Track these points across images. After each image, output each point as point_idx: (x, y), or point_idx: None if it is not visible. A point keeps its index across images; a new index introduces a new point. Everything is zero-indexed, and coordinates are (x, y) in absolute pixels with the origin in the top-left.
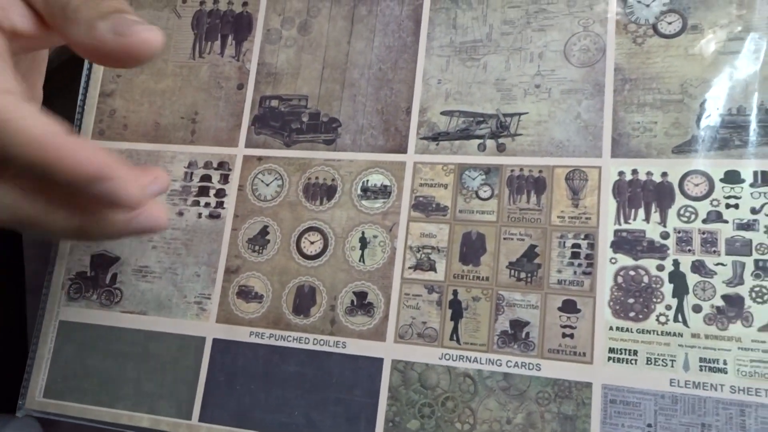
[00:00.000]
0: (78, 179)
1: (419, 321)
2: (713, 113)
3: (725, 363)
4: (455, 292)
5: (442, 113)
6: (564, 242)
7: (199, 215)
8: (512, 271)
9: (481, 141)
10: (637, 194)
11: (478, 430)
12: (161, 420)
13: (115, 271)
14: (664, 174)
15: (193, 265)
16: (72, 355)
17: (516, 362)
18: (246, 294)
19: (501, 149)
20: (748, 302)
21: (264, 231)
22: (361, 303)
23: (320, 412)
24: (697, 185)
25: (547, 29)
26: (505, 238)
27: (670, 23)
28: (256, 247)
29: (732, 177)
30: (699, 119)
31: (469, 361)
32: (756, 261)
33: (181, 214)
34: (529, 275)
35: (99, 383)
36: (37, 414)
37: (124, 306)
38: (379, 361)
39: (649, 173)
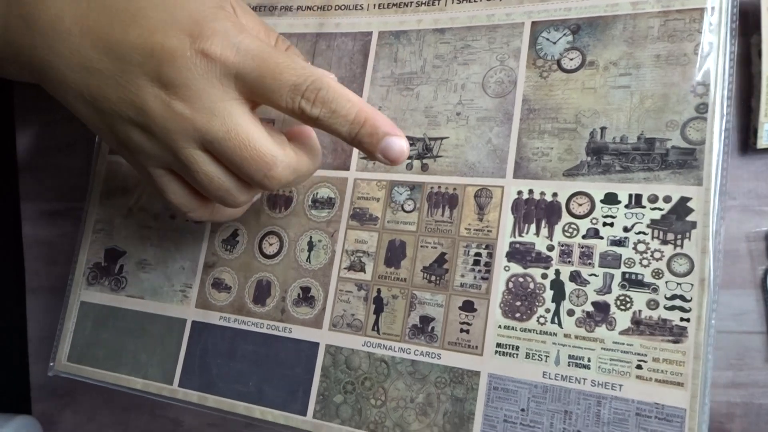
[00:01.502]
0: (376, 139)
1: (349, 313)
2: (599, 141)
3: (589, 360)
4: (379, 290)
5: None
6: (468, 251)
7: (187, 220)
8: (425, 274)
9: (409, 161)
10: (531, 211)
11: (388, 406)
12: (150, 384)
13: (122, 262)
14: (555, 194)
15: (180, 260)
16: (89, 330)
17: (421, 351)
18: (219, 285)
19: (424, 169)
20: (613, 309)
21: (234, 233)
22: (306, 296)
23: (269, 384)
24: (581, 205)
25: (470, 63)
26: (421, 246)
27: (571, 59)
28: (228, 247)
29: (610, 198)
30: (588, 146)
31: (385, 348)
32: (623, 273)
33: (173, 217)
34: (438, 278)
35: (106, 352)
36: (63, 374)
37: (128, 291)
38: (315, 345)
39: (542, 193)
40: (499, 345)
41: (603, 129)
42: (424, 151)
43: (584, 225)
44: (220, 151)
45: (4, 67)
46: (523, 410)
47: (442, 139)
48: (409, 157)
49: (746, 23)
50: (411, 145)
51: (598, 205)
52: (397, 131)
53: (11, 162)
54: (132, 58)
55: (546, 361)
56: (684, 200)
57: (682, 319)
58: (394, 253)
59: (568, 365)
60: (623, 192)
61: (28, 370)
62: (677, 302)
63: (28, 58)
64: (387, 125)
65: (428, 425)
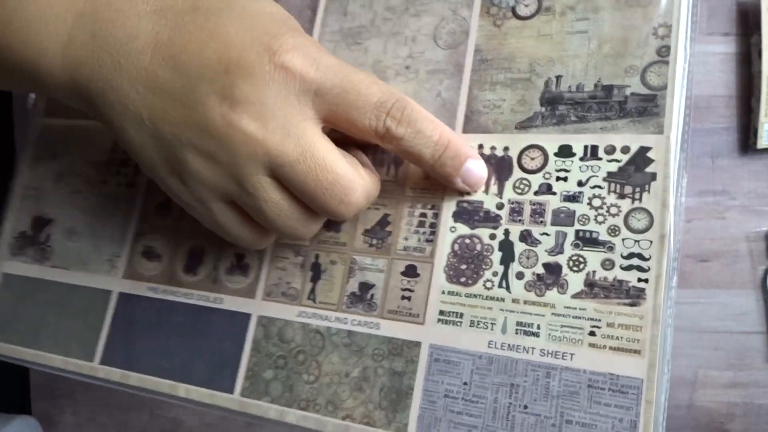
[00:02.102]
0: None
1: (284, 281)
2: (554, 91)
3: (538, 327)
4: (317, 256)
5: None
6: (413, 212)
7: (119, 184)
8: (366, 238)
9: None
10: None
11: (321, 381)
12: (70, 361)
13: (49, 231)
14: (506, 148)
15: (110, 228)
16: (10, 303)
17: (359, 321)
18: (149, 254)
19: None
20: (565, 270)
21: (169, 198)
22: (240, 264)
23: (196, 360)
24: (533, 159)
25: (422, 14)
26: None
27: (527, 5)
28: (162, 213)
29: (564, 151)
30: (542, 96)
31: (321, 318)
32: (577, 231)
33: (104, 182)
34: (380, 242)
35: (26, 328)
36: None
37: (53, 261)
38: (247, 317)
39: (493, 147)
40: (442, 313)
41: (558, 78)
42: None
43: (536, 180)
44: (292, 176)
45: (53, 89)
46: (465, 384)
47: None
48: None
49: (746, 23)
50: None
51: (552, 158)
52: (477, 155)
53: None
54: (203, 75)
55: (492, 329)
56: (643, 150)
57: (639, 280)
58: None
59: (516, 333)
60: (578, 144)
61: (28, 370)
62: (634, 261)
63: (87, 78)
64: (468, 148)
65: (363, 402)
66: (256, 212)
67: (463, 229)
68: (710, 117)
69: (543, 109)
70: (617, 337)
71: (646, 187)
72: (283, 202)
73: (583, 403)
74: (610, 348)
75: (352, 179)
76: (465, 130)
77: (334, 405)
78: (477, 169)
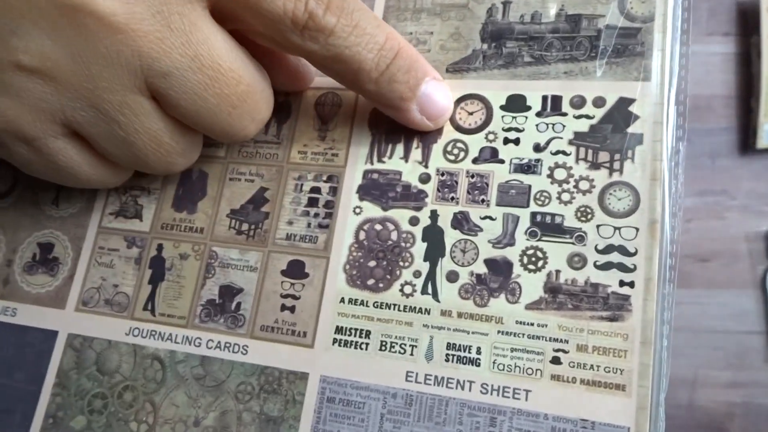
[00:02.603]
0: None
1: (110, 283)
2: (501, 22)
3: (479, 352)
4: (160, 247)
5: None
6: (302, 185)
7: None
8: (233, 221)
9: None
10: (398, 124)
11: None
12: None
13: None
14: None
15: None
16: None
17: (218, 342)
18: None
19: None
20: (517, 269)
21: None
22: (45, 257)
23: None
24: (471, 114)
25: None
26: (231, 179)
27: None
28: None
29: (515, 103)
30: (484, 29)
31: (162, 338)
32: (533, 214)
33: None
34: (253, 227)
35: None
36: None
37: None
38: (52, 336)
39: None
40: (339, 330)
41: (506, 4)
42: None
43: (476, 143)
44: (180, 90)
45: None
46: None
47: None
48: None
49: (746, 23)
50: None
51: (497, 113)
52: (437, 73)
53: None
54: None
55: (413, 354)
56: (624, 103)
57: (622, 284)
58: (189, 190)
59: (447, 360)
60: (534, 93)
61: None
62: (614, 257)
63: None
64: (425, 62)
65: None
66: (116, 143)
67: (372, 210)
68: (710, 117)
69: (485, 47)
70: (592, 366)
71: (629, 153)
72: (162, 133)
73: None
74: (582, 382)
75: (266, 88)
76: None
77: None
78: (440, 93)
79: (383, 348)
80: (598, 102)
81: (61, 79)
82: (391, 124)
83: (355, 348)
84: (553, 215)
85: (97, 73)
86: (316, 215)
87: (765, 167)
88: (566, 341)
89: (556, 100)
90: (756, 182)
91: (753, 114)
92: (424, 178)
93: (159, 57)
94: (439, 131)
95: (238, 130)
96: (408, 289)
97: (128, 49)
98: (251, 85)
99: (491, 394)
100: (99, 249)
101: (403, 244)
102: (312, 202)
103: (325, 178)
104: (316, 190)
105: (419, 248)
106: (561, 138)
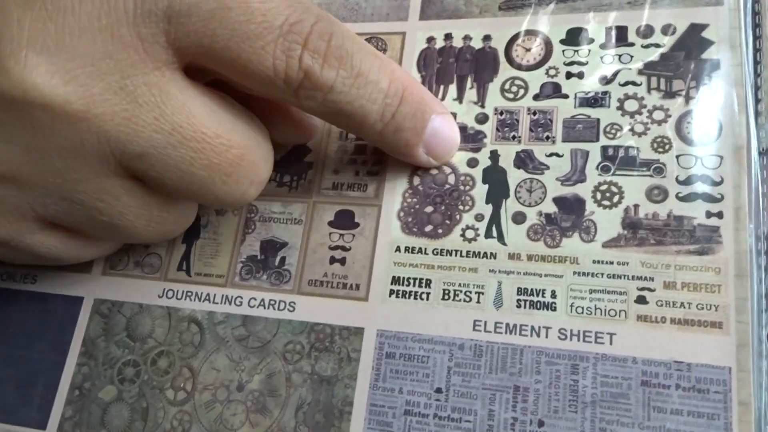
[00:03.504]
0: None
1: (140, 244)
2: None
3: (554, 295)
4: None
5: None
6: (347, 133)
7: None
8: (276, 174)
9: None
10: (449, 66)
11: (197, 400)
12: None
13: None
14: (487, 37)
15: None
16: None
17: (262, 300)
18: None
19: None
20: (590, 206)
21: None
22: None
23: None
24: (529, 50)
25: None
26: None
27: None
28: None
29: (576, 37)
30: None
31: (200, 299)
32: (604, 148)
33: None
34: (296, 179)
35: None
36: None
37: None
38: (77, 302)
39: (467, 38)
40: (396, 281)
41: None
42: None
43: (536, 79)
44: (161, 169)
45: None
46: (439, 391)
47: None
48: None
49: None
50: None
51: (558, 47)
52: (442, 106)
53: None
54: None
55: (479, 302)
56: (696, 29)
57: (710, 215)
58: None
59: (518, 307)
60: (597, 25)
61: None
62: (699, 187)
63: None
64: (429, 98)
65: (267, 431)
66: (106, 229)
67: None
68: None
69: None
70: (682, 304)
71: (705, 79)
72: (150, 207)
73: (636, 412)
74: (673, 321)
75: (262, 146)
76: (424, 16)
77: None
78: (446, 130)
79: (446, 297)
80: (667, 30)
81: (23, 180)
82: (442, 65)
83: (415, 298)
84: (626, 148)
85: (63, 167)
86: (365, 162)
87: (765, 167)
88: (651, 279)
89: (621, 31)
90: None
91: None
92: (481, 119)
93: (130, 138)
94: (494, 69)
95: (237, 196)
96: (470, 234)
97: (93, 137)
98: (244, 147)
99: (571, 339)
100: None
101: (462, 188)
102: (359, 150)
103: None
104: None
105: (480, 190)
106: (629, 69)
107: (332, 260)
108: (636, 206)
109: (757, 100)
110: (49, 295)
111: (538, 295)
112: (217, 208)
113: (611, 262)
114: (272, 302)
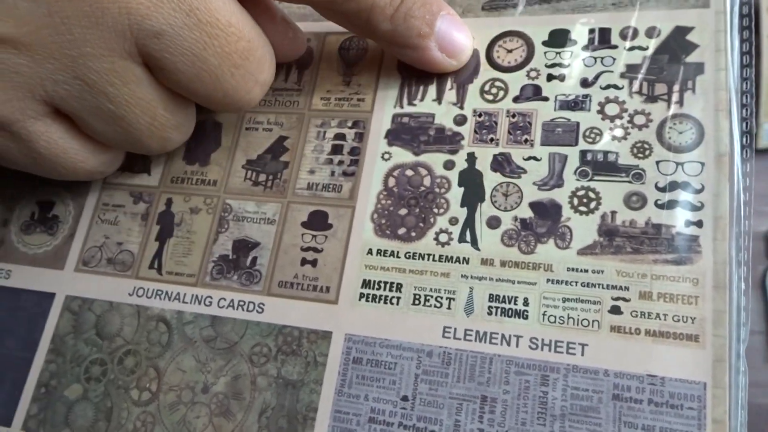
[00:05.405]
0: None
1: (113, 241)
2: None
3: (526, 303)
4: (169, 202)
5: None
6: (324, 132)
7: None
8: (249, 172)
9: None
10: None
11: (161, 401)
12: None
13: None
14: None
15: None
16: None
17: (231, 300)
18: None
19: None
20: (566, 212)
21: None
22: (45, 216)
23: None
24: (511, 51)
25: None
26: (247, 128)
27: None
28: None
29: (559, 38)
30: None
31: (169, 298)
32: (583, 153)
33: None
34: (271, 178)
35: None
36: None
37: None
38: (48, 298)
39: None
40: (367, 284)
41: None
42: None
43: (516, 81)
44: (175, 51)
45: None
46: (405, 398)
47: None
48: None
49: None
50: None
51: (539, 49)
52: (452, 10)
53: None
54: None
55: (450, 307)
56: (680, 32)
57: (689, 223)
58: (202, 142)
59: (489, 313)
60: (580, 27)
61: None
62: (679, 195)
63: None
64: None
65: None
66: (110, 122)
67: (402, 156)
68: None
69: None
70: (658, 315)
71: (689, 83)
72: (156, 104)
73: (606, 427)
74: (648, 333)
75: (266, 44)
76: None
77: None
78: (457, 27)
79: (416, 302)
80: (652, 32)
81: (40, 47)
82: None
83: (385, 303)
84: (605, 153)
85: (81, 37)
86: (341, 163)
87: (765, 167)
88: (626, 288)
89: (605, 33)
90: (756, 182)
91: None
92: (460, 120)
93: (150, 14)
94: (475, 70)
95: (242, 93)
96: (444, 238)
97: (114, 6)
98: (252, 40)
99: (542, 349)
100: (103, 206)
101: (437, 190)
102: (336, 150)
103: (350, 124)
104: (340, 136)
105: (455, 193)
106: (611, 71)
107: (303, 261)
108: (613, 213)
109: (742, 105)
110: (21, 291)
111: (510, 302)
112: (222, 110)
113: (586, 270)
114: (241, 303)
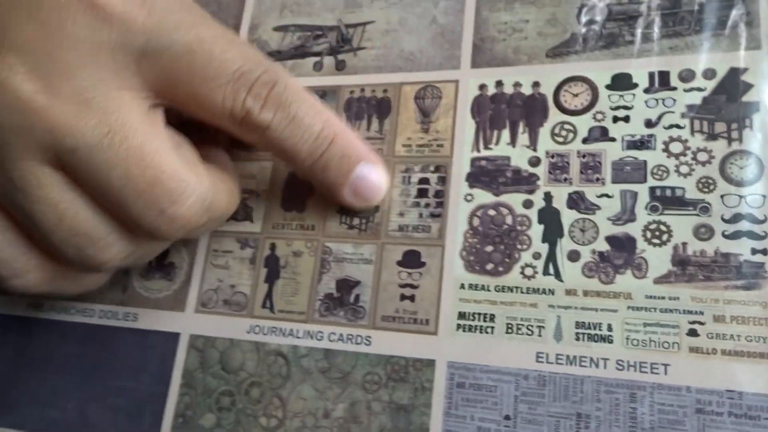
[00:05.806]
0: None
1: (227, 284)
2: (598, 3)
3: (610, 329)
4: (272, 246)
5: (275, 29)
6: (409, 177)
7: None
8: (343, 218)
9: (318, 59)
10: (502, 111)
11: (287, 427)
12: None
13: None
14: (536, 84)
15: None
16: None
17: (341, 334)
18: None
19: (341, 67)
20: (641, 244)
21: None
22: (161, 263)
23: (98, 405)
24: (576, 95)
25: None
26: None
27: None
28: None
29: (621, 82)
30: (580, 13)
31: (284, 334)
32: (651, 189)
33: None
34: (364, 221)
35: None
36: None
37: None
38: (174, 337)
39: (517, 84)
40: (462, 316)
41: None
42: (339, 43)
43: (584, 123)
44: (88, 168)
45: None
46: (507, 418)
47: (365, 24)
48: (318, 54)
49: None
50: (321, 36)
51: (603, 93)
52: (375, 155)
53: None
54: None
55: (540, 335)
56: (735, 73)
57: (754, 251)
58: (297, 191)
59: (577, 339)
60: (640, 71)
61: None
62: (743, 225)
63: None
64: (362, 146)
65: None
66: (28, 217)
67: (483, 197)
68: None
69: (583, 30)
70: (732, 336)
71: (746, 121)
72: (66, 206)
73: None
74: (724, 352)
75: (184, 180)
76: (476, 64)
77: None
78: (373, 176)
79: (509, 330)
80: (708, 74)
81: None
82: (495, 111)
83: (481, 332)
84: (673, 188)
85: (9, 140)
86: (427, 205)
87: None
88: (701, 313)
89: (664, 76)
90: None
91: None
92: (534, 162)
93: (67, 133)
94: (544, 114)
95: (149, 220)
96: (529, 271)
97: (42, 124)
98: (179, 181)
99: (628, 369)
100: (213, 252)
101: (519, 228)
102: (422, 193)
103: (432, 168)
104: (424, 181)
105: (536, 230)
106: (673, 112)
107: (402, 297)
108: (684, 244)
109: None
110: (149, 332)
111: (595, 328)
112: (144, 236)
113: (663, 297)
114: (350, 336)
